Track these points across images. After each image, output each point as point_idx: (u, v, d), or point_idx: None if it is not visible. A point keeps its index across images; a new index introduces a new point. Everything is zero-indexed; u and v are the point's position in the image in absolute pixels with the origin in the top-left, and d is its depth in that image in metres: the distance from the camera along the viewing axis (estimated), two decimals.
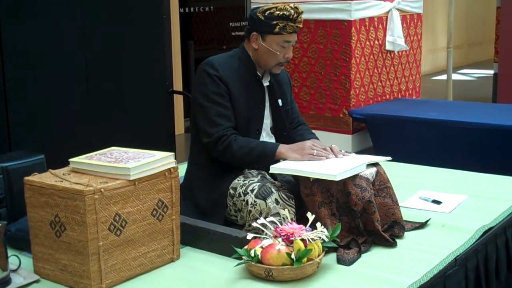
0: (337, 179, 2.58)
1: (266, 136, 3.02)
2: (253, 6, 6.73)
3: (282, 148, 2.81)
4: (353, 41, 6.08)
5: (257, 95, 2.97)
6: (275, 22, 2.83)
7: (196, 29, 8.91)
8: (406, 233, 2.76)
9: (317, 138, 3.07)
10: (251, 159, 2.82)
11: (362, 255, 2.57)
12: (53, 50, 4.18)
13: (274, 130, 3.04)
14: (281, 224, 2.46)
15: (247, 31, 2.96)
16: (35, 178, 2.39)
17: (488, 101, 8.45)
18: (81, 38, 4.34)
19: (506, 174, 3.64)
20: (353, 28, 6.06)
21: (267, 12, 2.85)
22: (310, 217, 2.48)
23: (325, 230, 2.44)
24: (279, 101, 3.04)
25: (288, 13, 2.82)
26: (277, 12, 2.83)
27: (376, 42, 6.42)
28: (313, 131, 3.21)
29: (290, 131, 3.08)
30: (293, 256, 2.30)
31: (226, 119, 2.85)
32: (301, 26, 2.93)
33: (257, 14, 2.87)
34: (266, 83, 3.00)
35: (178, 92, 6.41)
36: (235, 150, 2.80)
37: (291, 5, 2.86)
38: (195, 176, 2.97)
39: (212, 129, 2.83)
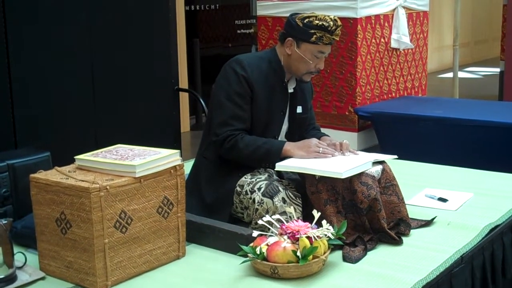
0: (343, 176, 2.58)
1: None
2: (258, 4, 6.75)
3: (288, 145, 2.81)
4: (359, 39, 6.07)
5: (281, 101, 2.95)
6: (313, 31, 2.81)
7: (202, 27, 8.91)
8: (412, 231, 2.76)
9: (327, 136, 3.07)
10: (257, 156, 2.81)
11: (368, 253, 2.56)
12: (58, 49, 4.18)
13: (287, 135, 3.03)
14: (287, 222, 2.46)
15: (282, 35, 2.93)
16: (41, 175, 2.39)
17: (494, 99, 8.42)
18: (87, 37, 4.34)
19: None
20: (359, 26, 6.05)
21: (306, 20, 2.82)
22: (316, 214, 2.47)
23: (330, 227, 2.44)
24: (299, 107, 3.02)
25: (327, 24, 2.80)
26: (316, 22, 2.81)
27: (382, 40, 6.41)
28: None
29: (304, 134, 3.07)
30: (298, 253, 2.30)
31: (239, 121, 2.83)
32: (338, 39, 2.91)
33: (296, 20, 2.85)
34: (290, 90, 2.99)
35: (184, 90, 6.42)
36: (241, 148, 2.80)
37: (331, 16, 2.84)
38: (203, 170, 2.96)
39: (222, 128, 2.82)
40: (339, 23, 2.85)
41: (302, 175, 2.75)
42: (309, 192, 2.69)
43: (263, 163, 2.90)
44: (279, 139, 2.99)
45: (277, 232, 2.42)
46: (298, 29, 2.84)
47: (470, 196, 3.21)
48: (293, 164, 2.73)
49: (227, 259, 2.53)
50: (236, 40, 9.08)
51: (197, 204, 2.88)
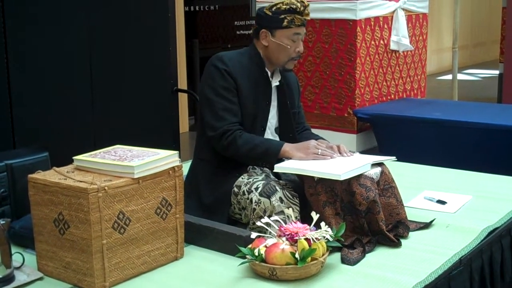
0: (342, 178, 2.58)
1: (270, 135, 3.02)
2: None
3: (287, 146, 2.81)
4: (358, 41, 6.07)
5: (264, 92, 2.97)
6: (282, 16, 2.86)
7: (201, 27, 8.91)
8: (410, 233, 2.75)
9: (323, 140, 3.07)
10: (255, 155, 2.81)
11: (367, 255, 2.56)
12: (57, 49, 4.18)
13: (279, 130, 3.04)
14: (285, 223, 2.45)
15: (255, 31, 2.97)
16: (39, 175, 2.39)
17: (493, 101, 8.43)
18: (86, 37, 4.34)
19: (511, 174, 3.63)
20: (358, 28, 6.05)
21: (274, 8, 2.88)
22: (315, 216, 2.47)
23: (329, 229, 2.44)
24: (287, 102, 3.03)
25: (294, 6, 2.85)
26: (284, 6, 2.86)
27: (381, 42, 6.41)
28: (318, 130, 3.22)
29: (296, 134, 3.08)
30: (297, 255, 2.30)
31: (232, 114, 2.85)
32: (309, 18, 2.95)
33: (264, 11, 2.91)
34: (275, 83, 3.00)
35: (183, 91, 6.40)
36: (240, 146, 2.80)
37: None
38: (200, 172, 2.97)
39: (218, 123, 2.83)
40: (306, 3, 2.90)
41: (300, 177, 2.74)
42: (307, 194, 2.68)
43: (260, 162, 2.90)
44: (270, 132, 3.00)
45: (276, 234, 2.41)
46: (268, 18, 2.89)
47: (469, 198, 3.21)
48: (291, 166, 2.72)
49: (225, 260, 2.52)
50: (235, 41, 9.07)
51: (195, 205, 2.88)
